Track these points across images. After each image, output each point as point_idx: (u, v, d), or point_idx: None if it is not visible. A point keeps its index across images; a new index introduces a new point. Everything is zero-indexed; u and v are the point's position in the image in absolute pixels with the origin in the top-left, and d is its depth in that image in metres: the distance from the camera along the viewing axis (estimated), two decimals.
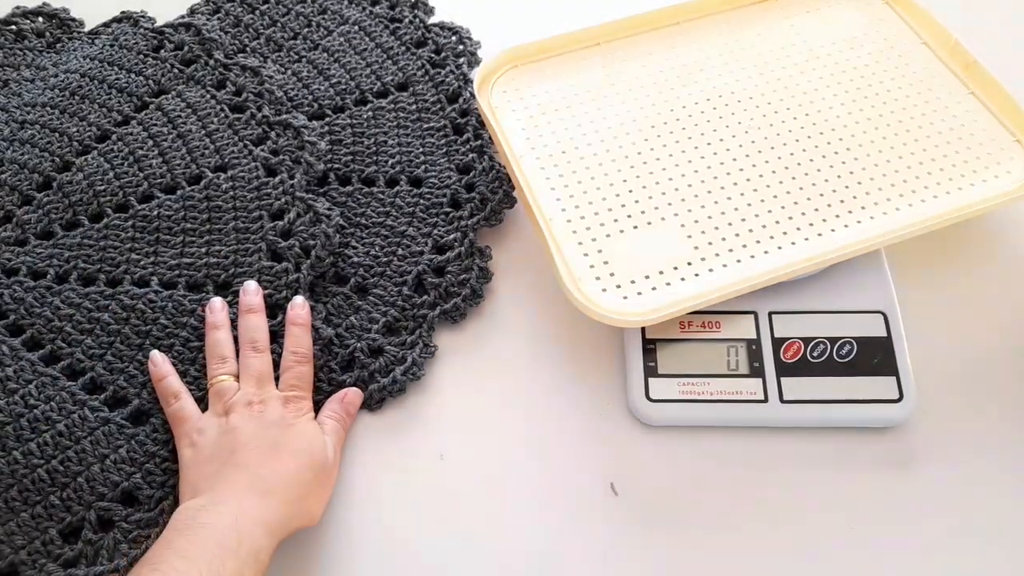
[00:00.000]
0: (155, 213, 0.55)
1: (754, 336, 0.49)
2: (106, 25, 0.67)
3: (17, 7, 0.68)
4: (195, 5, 0.68)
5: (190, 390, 0.49)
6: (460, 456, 0.49)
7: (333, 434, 0.47)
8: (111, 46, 0.64)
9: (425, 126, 0.60)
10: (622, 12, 0.60)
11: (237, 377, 0.49)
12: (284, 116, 0.59)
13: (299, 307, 0.51)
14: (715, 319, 0.50)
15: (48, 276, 0.53)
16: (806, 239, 0.49)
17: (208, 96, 0.61)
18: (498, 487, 0.48)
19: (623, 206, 0.51)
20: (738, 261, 0.49)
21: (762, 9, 0.62)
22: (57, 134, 0.59)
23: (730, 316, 0.50)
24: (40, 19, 0.68)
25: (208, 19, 0.66)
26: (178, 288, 0.53)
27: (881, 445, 0.48)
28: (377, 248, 0.55)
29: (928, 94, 0.56)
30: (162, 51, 0.64)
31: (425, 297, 0.53)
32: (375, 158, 0.58)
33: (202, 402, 0.49)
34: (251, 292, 0.52)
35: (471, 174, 0.58)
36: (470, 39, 0.66)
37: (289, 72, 0.63)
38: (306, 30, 0.66)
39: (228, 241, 0.54)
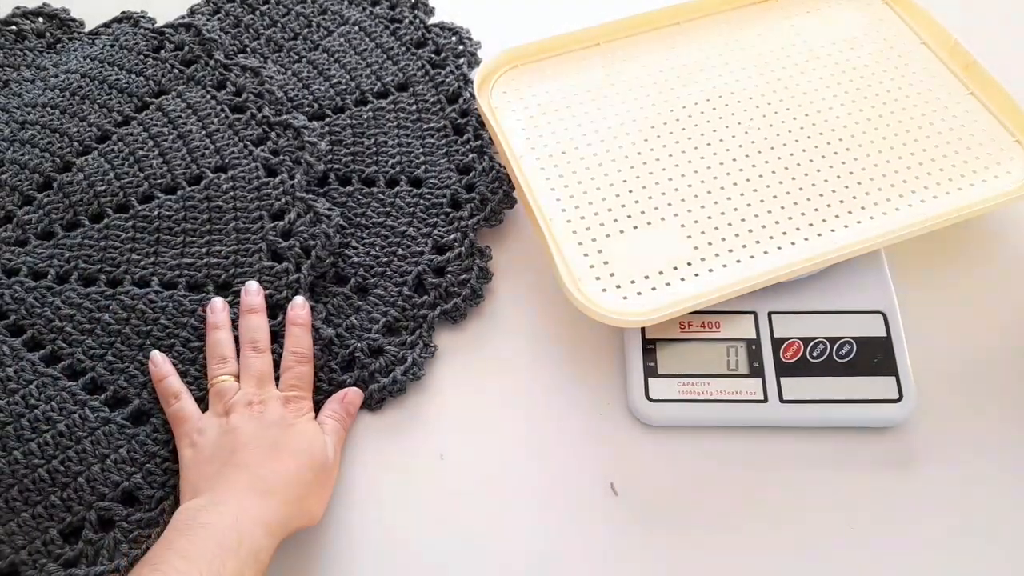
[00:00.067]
0: (155, 213, 0.55)
1: (754, 336, 0.49)
2: (106, 25, 0.67)
3: (17, 7, 0.68)
4: (195, 5, 0.68)
5: (190, 390, 0.49)
6: (460, 456, 0.49)
7: (333, 434, 0.48)
8: (111, 46, 0.64)
9: (425, 126, 0.60)
10: (622, 12, 0.60)
11: (237, 377, 0.49)
12: (284, 116, 0.59)
13: (299, 307, 0.51)
14: (715, 319, 0.50)
15: (49, 276, 0.53)
16: (806, 239, 0.49)
17: (208, 96, 0.61)
18: (498, 487, 0.48)
19: (623, 206, 0.51)
20: (738, 261, 0.49)
21: (762, 9, 0.62)
22: (57, 134, 0.59)
23: (730, 316, 0.50)
24: (40, 19, 0.68)
25: (208, 19, 0.66)
26: (178, 288, 0.53)
27: (881, 445, 0.48)
28: (377, 248, 0.55)
29: (928, 94, 0.56)
30: (162, 51, 0.64)
31: (425, 297, 0.53)
32: (375, 158, 0.58)
33: (202, 402, 0.49)
34: (252, 292, 0.52)
35: (471, 174, 0.58)
36: (470, 39, 0.66)
37: (289, 72, 0.63)
38: (306, 30, 0.66)
39: (228, 241, 0.54)
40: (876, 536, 0.46)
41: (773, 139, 0.54)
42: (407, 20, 0.66)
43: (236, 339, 0.51)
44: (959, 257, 0.55)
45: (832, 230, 0.50)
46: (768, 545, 0.46)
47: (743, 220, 0.50)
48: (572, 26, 0.59)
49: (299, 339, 0.50)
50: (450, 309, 0.53)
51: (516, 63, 0.59)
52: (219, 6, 0.68)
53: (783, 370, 0.48)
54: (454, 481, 0.48)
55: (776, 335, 0.49)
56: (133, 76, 0.62)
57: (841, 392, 0.48)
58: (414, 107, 0.61)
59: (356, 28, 0.66)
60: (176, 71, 0.62)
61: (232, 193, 0.56)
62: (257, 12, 0.67)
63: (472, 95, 0.59)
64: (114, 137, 0.59)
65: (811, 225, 0.50)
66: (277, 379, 0.49)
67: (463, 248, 0.54)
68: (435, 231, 0.55)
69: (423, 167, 0.58)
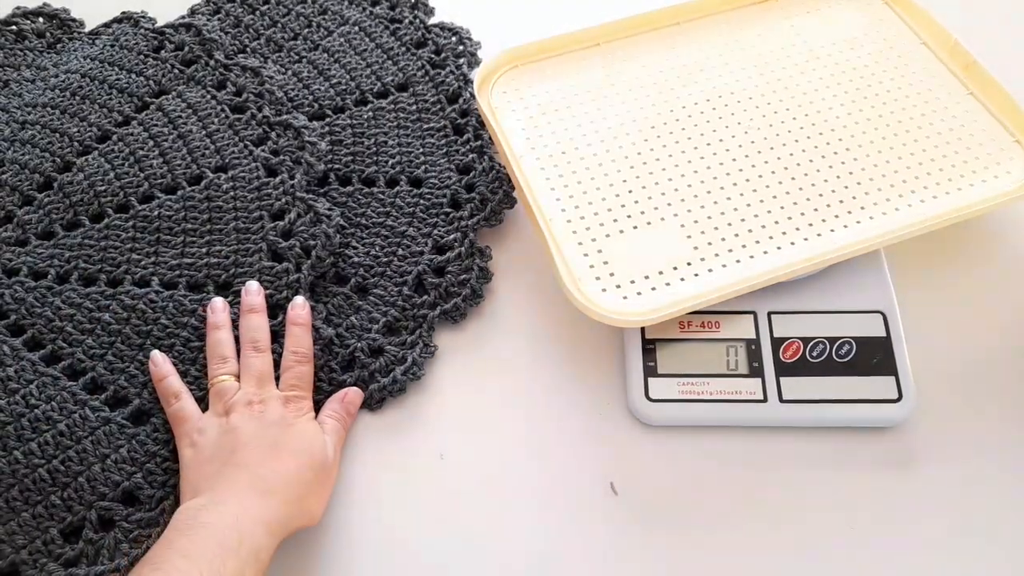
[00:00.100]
0: (156, 213, 0.55)
1: (753, 336, 0.49)
2: (106, 25, 0.67)
3: (18, 7, 0.68)
4: (195, 6, 0.68)
5: (191, 390, 0.49)
6: (460, 456, 0.49)
7: (333, 433, 0.48)
8: (112, 46, 0.64)
9: (425, 126, 0.60)
10: (622, 12, 0.60)
11: (238, 377, 0.49)
12: (284, 116, 0.59)
13: (300, 307, 0.51)
14: (714, 319, 0.50)
15: (49, 276, 0.53)
16: (805, 239, 0.49)
17: (209, 96, 0.61)
18: (498, 487, 0.48)
19: (623, 206, 0.51)
20: (737, 261, 0.49)
21: (762, 9, 0.62)
22: (58, 134, 0.59)
23: (729, 316, 0.50)
24: (41, 19, 0.68)
25: (208, 20, 0.66)
26: (179, 288, 0.53)
27: (880, 445, 0.48)
28: (377, 248, 0.55)
29: (928, 94, 0.56)
30: (163, 51, 0.64)
31: (425, 297, 0.53)
32: (375, 158, 0.58)
33: (203, 402, 0.49)
34: (253, 292, 0.52)
35: (471, 174, 0.58)
36: (470, 39, 0.66)
37: (289, 72, 0.63)
38: (306, 31, 0.66)
39: (229, 241, 0.54)
40: (876, 536, 0.46)
41: (773, 139, 0.54)
42: (407, 20, 0.66)
43: (236, 339, 0.51)
44: (959, 257, 0.55)
45: (832, 230, 0.50)
46: (768, 545, 0.46)
47: (743, 220, 0.50)
48: (572, 26, 0.59)
49: (299, 339, 0.50)
50: (450, 309, 0.53)
51: (516, 63, 0.59)
52: (219, 6, 0.68)
53: (783, 370, 0.48)
54: (454, 481, 0.48)
55: (776, 335, 0.49)
56: (133, 76, 0.62)
57: (841, 392, 0.48)
58: (414, 107, 0.61)
59: (356, 28, 0.66)
60: (176, 71, 0.62)
61: (232, 193, 0.56)
62: (257, 12, 0.67)
63: (472, 95, 0.59)
64: (114, 137, 0.59)
65: (811, 225, 0.50)
66: (277, 379, 0.49)
67: (463, 248, 0.54)
68: (435, 231, 0.55)
69: (423, 167, 0.58)
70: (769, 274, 0.47)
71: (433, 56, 0.64)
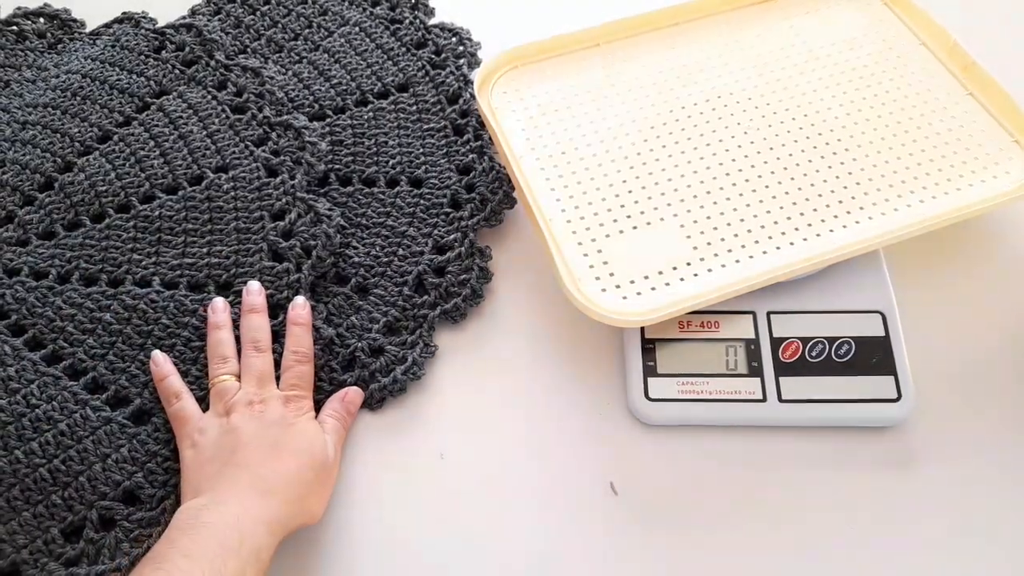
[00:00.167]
0: (156, 213, 0.55)
1: (753, 336, 0.49)
2: (107, 26, 0.67)
3: (18, 8, 0.68)
4: (196, 6, 0.68)
5: (191, 390, 0.49)
6: (460, 456, 0.49)
7: (334, 433, 0.48)
8: (112, 47, 0.64)
9: (425, 127, 0.60)
10: (622, 13, 0.60)
11: (238, 377, 0.49)
12: (285, 117, 0.59)
13: (300, 307, 0.51)
14: (714, 319, 0.50)
15: (50, 276, 0.53)
16: (805, 239, 0.49)
17: (209, 97, 0.61)
18: (498, 487, 0.48)
19: (623, 206, 0.51)
20: (737, 261, 0.49)
21: (762, 10, 0.62)
22: (59, 135, 0.59)
23: (729, 316, 0.50)
24: (41, 20, 0.68)
25: (209, 20, 0.66)
26: (179, 288, 0.53)
27: (880, 445, 0.48)
28: (378, 248, 0.55)
29: (927, 95, 0.56)
30: (163, 52, 0.64)
31: (425, 297, 0.53)
32: (376, 159, 0.58)
33: (203, 402, 0.49)
34: (254, 292, 0.52)
35: (471, 175, 0.58)
36: (470, 40, 0.66)
37: (290, 73, 0.63)
38: (307, 31, 0.66)
39: (229, 241, 0.55)
40: (875, 536, 0.46)
41: (772, 139, 0.54)
42: (407, 21, 0.66)
43: (237, 339, 0.51)
44: (958, 257, 0.56)
45: (831, 230, 0.50)
46: (767, 545, 0.46)
47: (742, 220, 0.50)
48: (572, 26, 0.59)
49: (300, 339, 0.50)
50: (450, 309, 0.53)
51: (516, 64, 0.59)
52: (220, 7, 0.68)
53: (782, 370, 0.48)
54: (454, 481, 0.48)
55: (775, 335, 0.49)
56: (134, 76, 0.62)
57: (840, 392, 0.48)
58: (414, 107, 0.61)
59: (356, 29, 0.66)
60: (177, 72, 0.62)
61: (233, 193, 0.56)
62: (258, 13, 0.67)
63: (472, 95, 0.59)
64: (115, 137, 0.59)
65: (810, 225, 0.50)
66: (278, 379, 0.49)
67: (463, 248, 0.55)
68: (435, 231, 0.56)
69: (423, 167, 0.58)
70: (768, 274, 0.47)
71: (433, 57, 0.64)
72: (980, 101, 0.56)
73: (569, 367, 0.52)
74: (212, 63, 0.63)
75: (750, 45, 0.60)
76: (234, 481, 0.43)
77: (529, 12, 0.70)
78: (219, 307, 0.51)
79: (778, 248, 0.49)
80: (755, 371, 0.49)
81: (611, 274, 0.48)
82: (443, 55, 0.64)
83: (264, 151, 0.58)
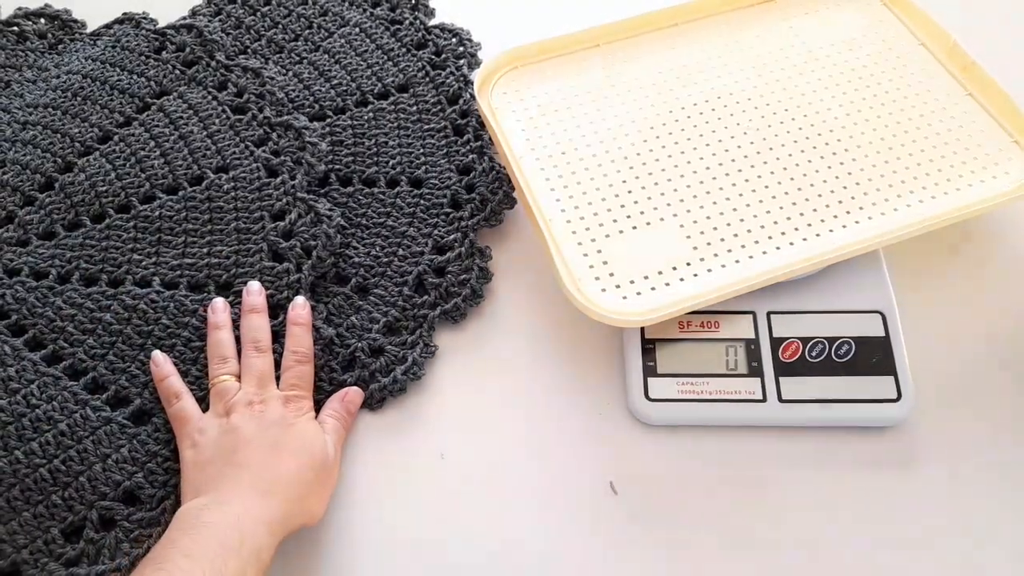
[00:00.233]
0: (157, 214, 0.55)
1: (752, 336, 0.50)
2: (108, 26, 0.67)
3: (19, 8, 0.68)
4: (196, 7, 0.68)
5: (192, 390, 0.49)
6: (460, 456, 0.49)
7: (334, 433, 0.48)
8: (113, 47, 0.64)
9: (425, 127, 0.60)
10: (622, 13, 0.60)
11: (238, 377, 0.49)
12: (285, 117, 0.59)
13: (300, 307, 0.52)
14: (714, 319, 0.50)
15: (50, 276, 0.53)
16: (804, 239, 0.50)
17: (210, 97, 0.61)
18: (498, 487, 0.48)
19: (623, 206, 0.51)
20: (737, 261, 0.49)
21: (761, 11, 0.62)
22: (59, 135, 0.59)
23: (729, 316, 0.50)
24: (42, 20, 0.68)
25: (210, 21, 0.66)
26: (179, 288, 0.53)
27: (879, 444, 0.48)
28: (378, 248, 0.55)
29: (926, 95, 0.56)
30: (164, 52, 0.64)
31: (425, 297, 0.54)
32: (376, 159, 0.59)
33: (203, 402, 0.49)
34: (254, 292, 0.52)
35: (471, 175, 0.58)
36: (470, 40, 0.66)
37: (290, 73, 0.63)
38: (307, 32, 0.66)
39: (229, 242, 0.55)
40: (876, 535, 0.46)
41: (772, 140, 0.54)
42: (407, 21, 0.66)
43: (237, 339, 0.51)
44: (957, 257, 0.56)
45: (831, 230, 0.50)
46: (768, 545, 0.46)
47: (742, 220, 0.50)
48: (572, 27, 0.59)
49: (300, 339, 0.50)
50: (450, 309, 0.53)
51: (516, 64, 0.59)
52: (220, 7, 0.68)
53: (782, 370, 0.48)
54: (454, 481, 0.48)
55: (775, 335, 0.49)
56: (135, 77, 0.62)
57: (840, 392, 0.48)
58: (414, 108, 0.61)
59: (357, 29, 0.66)
60: (177, 72, 0.63)
61: (233, 193, 0.56)
62: (258, 14, 0.67)
63: (472, 96, 0.59)
64: (115, 138, 0.59)
65: (810, 225, 0.50)
66: (278, 379, 0.49)
67: (463, 248, 0.55)
68: (435, 231, 0.56)
69: (423, 168, 0.58)
70: (768, 274, 0.47)
71: (433, 57, 0.64)
72: (980, 101, 0.56)
73: (569, 367, 0.52)
74: (213, 64, 0.63)
75: (750, 46, 0.60)
76: (235, 481, 0.43)
77: (529, 12, 0.70)
78: (219, 307, 0.51)
79: (778, 248, 0.49)
80: (755, 371, 0.49)
81: (611, 274, 0.48)
82: (443, 56, 0.64)
83: (264, 151, 0.58)
